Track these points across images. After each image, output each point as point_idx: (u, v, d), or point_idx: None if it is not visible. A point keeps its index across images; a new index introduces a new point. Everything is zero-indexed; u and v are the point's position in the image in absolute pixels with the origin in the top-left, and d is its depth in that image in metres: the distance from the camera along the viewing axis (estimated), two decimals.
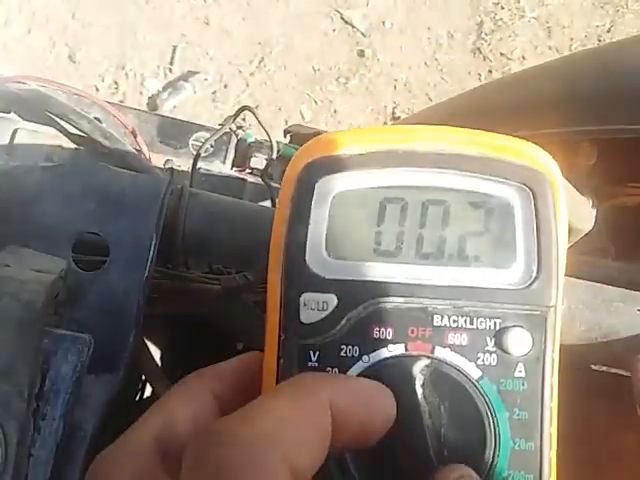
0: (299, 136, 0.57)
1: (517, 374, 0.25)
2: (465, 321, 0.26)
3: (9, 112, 0.49)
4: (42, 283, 0.30)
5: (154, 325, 0.45)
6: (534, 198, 0.26)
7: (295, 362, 0.26)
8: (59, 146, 0.45)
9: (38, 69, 1.82)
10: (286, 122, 1.76)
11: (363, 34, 1.92)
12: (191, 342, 0.49)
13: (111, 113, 0.48)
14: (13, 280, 0.29)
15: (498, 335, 0.26)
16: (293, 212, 0.26)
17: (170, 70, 1.89)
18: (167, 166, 0.46)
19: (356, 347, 0.26)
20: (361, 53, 1.90)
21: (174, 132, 0.53)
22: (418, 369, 0.25)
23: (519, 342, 0.25)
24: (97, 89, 1.84)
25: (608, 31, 1.92)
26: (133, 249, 0.33)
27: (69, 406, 0.29)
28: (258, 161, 0.52)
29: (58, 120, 0.44)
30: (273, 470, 0.21)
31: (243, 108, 0.43)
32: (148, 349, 0.42)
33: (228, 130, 0.53)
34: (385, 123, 1.83)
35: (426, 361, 0.26)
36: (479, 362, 0.25)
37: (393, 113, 1.86)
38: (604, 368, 0.35)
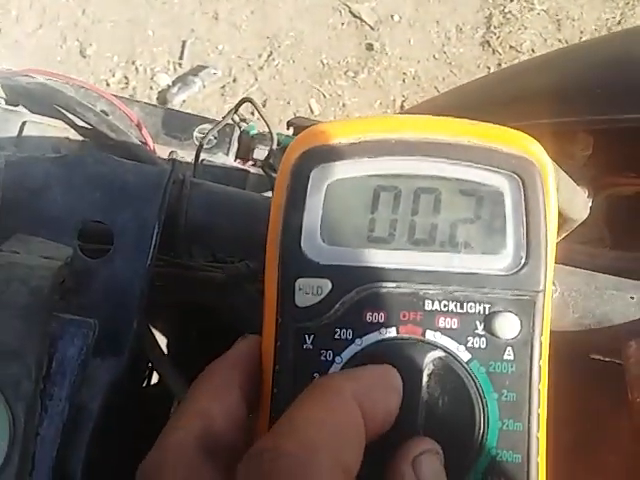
0: (301, 128, 0.58)
1: (506, 357, 0.26)
2: (455, 305, 0.26)
3: (17, 105, 0.50)
4: (49, 269, 0.31)
5: (160, 313, 0.46)
6: (524, 186, 0.27)
7: (291, 345, 0.27)
8: (66, 138, 0.46)
9: (49, 64, 1.84)
10: (295, 116, 1.77)
11: (372, 28, 1.92)
12: (196, 330, 0.50)
13: (117, 106, 0.49)
14: (21, 266, 0.30)
15: (487, 319, 0.26)
16: (289, 200, 0.27)
17: (180, 65, 1.90)
18: (171, 157, 0.47)
19: (350, 330, 0.27)
20: (370, 47, 1.90)
21: (179, 124, 0.54)
22: (410, 352, 0.26)
23: (508, 326, 0.26)
24: (108, 84, 1.86)
25: (618, 24, 1.91)
26: (136, 237, 0.34)
27: (75, 387, 0.31)
28: (261, 153, 0.53)
29: (65, 113, 0.46)
30: (328, 474, 0.21)
31: (244, 100, 0.43)
32: (154, 337, 0.43)
33: (231, 122, 0.54)
34: None
35: (418, 344, 0.26)
36: (469, 345, 0.26)
37: (402, 107, 1.86)
38: (598, 357, 0.36)
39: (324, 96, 1.87)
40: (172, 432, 0.25)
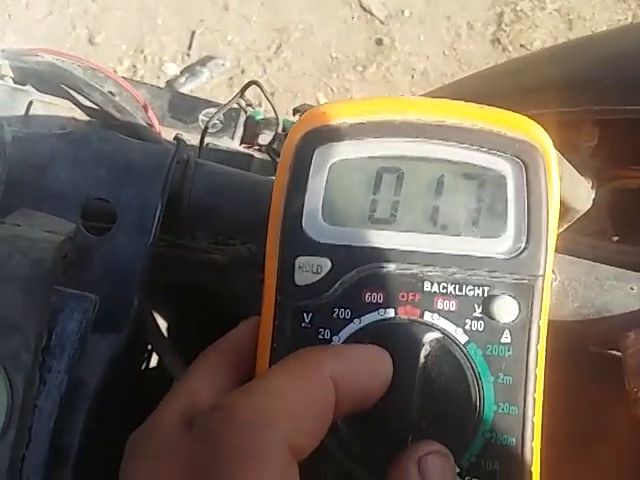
0: None
1: (503, 340, 0.26)
2: (454, 288, 0.26)
3: (25, 84, 0.50)
4: (52, 242, 0.31)
5: (161, 296, 0.47)
6: (526, 170, 0.27)
7: (289, 323, 0.27)
8: (73, 118, 0.47)
9: None
10: None
11: (382, 22, 1.91)
12: (196, 314, 0.50)
13: (124, 87, 0.49)
14: (24, 239, 0.31)
15: (486, 302, 0.26)
16: (291, 180, 0.27)
17: (188, 55, 1.90)
18: (176, 137, 0.47)
19: (348, 310, 0.27)
20: (379, 41, 1.90)
21: (185, 107, 0.54)
22: (408, 332, 0.26)
23: (506, 309, 0.26)
24: (115, 72, 1.86)
25: None
26: (139, 215, 0.35)
27: (74, 361, 0.31)
28: (266, 138, 0.53)
29: (72, 92, 0.46)
30: (271, 449, 0.21)
31: (250, 83, 0.43)
32: (154, 319, 0.43)
33: (237, 107, 0.54)
34: None
35: (416, 325, 0.26)
36: (466, 327, 0.26)
37: None
38: (597, 349, 0.36)
39: (332, 90, 1.86)
40: (161, 407, 0.25)
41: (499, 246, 0.27)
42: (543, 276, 0.26)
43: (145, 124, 0.44)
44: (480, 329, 0.26)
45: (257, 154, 0.52)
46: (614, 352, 0.35)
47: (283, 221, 0.27)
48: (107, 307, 0.33)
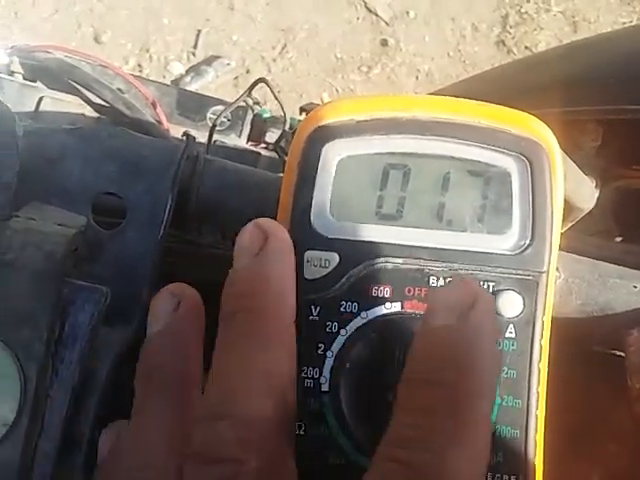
0: None
1: (508, 335, 0.27)
2: None
3: (35, 81, 0.51)
4: (63, 235, 0.31)
5: None
6: (531, 168, 0.27)
7: (297, 316, 0.27)
8: (82, 114, 0.47)
9: None
10: None
11: (387, 23, 1.92)
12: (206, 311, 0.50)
13: (133, 85, 0.49)
14: (36, 232, 0.31)
15: None
16: (300, 175, 0.28)
17: (194, 54, 1.91)
18: (186, 133, 0.48)
19: (355, 303, 0.27)
20: (384, 42, 1.90)
21: (193, 105, 0.55)
22: (414, 327, 0.27)
23: (511, 305, 0.27)
24: None
25: None
26: (149, 210, 0.35)
27: (85, 351, 0.31)
28: (273, 136, 0.54)
29: (82, 89, 0.46)
30: None
31: (258, 80, 0.44)
32: None
33: (244, 105, 0.54)
34: None
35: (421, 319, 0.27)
36: None
37: None
38: (600, 349, 0.37)
39: (337, 90, 1.87)
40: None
41: (504, 242, 0.27)
42: (547, 272, 0.27)
43: (154, 121, 0.45)
44: None
45: (264, 152, 0.53)
46: (617, 353, 0.35)
47: (292, 216, 0.28)
48: (117, 300, 0.34)
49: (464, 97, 0.29)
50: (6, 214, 0.33)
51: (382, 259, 0.27)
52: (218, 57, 1.87)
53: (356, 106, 0.28)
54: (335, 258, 0.27)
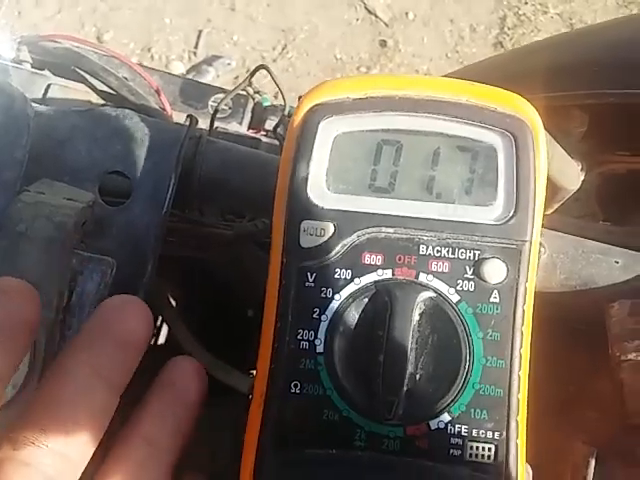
0: None
1: (492, 300, 0.28)
2: (447, 251, 0.29)
3: (43, 69, 0.53)
4: (73, 209, 0.33)
5: (171, 270, 0.49)
6: (515, 143, 0.29)
7: (294, 283, 0.29)
8: (88, 101, 0.49)
9: None
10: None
11: (386, 24, 1.94)
12: (203, 288, 0.52)
13: (138, 73, 0.51)
14: (47, 205, 0.33)
15: (477, 265, 0.28)
16: (298, 150, 0.30)
17: (195, 54, 1.93)
18: (189, 115, 0.50)
19: (349, 271, 0.29)
20: (383, 43, 1.92)
21: (195, 93, 0.57)
22: (404, 292, 0.28)
23: (495, 271, 0.28)
24: None
25: None
26: (154, 187, 0.37)
27: None
28: (273, 124, 0.55)
29: (88, 77, 0.48)
30: None
31: (259, 67, 0.46)
32: (165, 292, 0.45)
33: (245, 94, 0.56)
34: None
35: (412, 286, 0.28)
36: (458, 288, 0.28)
37: None
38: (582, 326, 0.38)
39: None
40: None
41: (490, 213, 0.29)
42: (530, 241, 0.29)
43: (158, 107, 0.46)
44: (471, 289, 0.28)
45: (264, 139, 0.55)
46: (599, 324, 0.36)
47: (290, 188, 0.29)
48: (123, 274, 0.35)
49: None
50: (17, 189, 0.35)
51: (375, 229, 0.29)
52: (219, 57, 1.89)
53: (352, 85, 0.30)
54: (330, 228, 0.29)
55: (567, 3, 1.96)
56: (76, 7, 1.96)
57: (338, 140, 0.30)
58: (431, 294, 0.28)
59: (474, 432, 0.28)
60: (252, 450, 0.28)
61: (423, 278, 0.28)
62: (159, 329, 0.52)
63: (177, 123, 0.46)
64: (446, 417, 0.28)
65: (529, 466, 0.30)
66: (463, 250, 0.29)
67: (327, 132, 0.30)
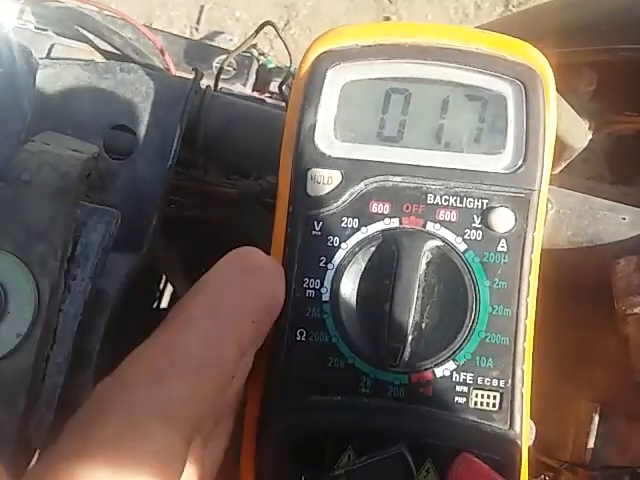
0: None
1: (499, 248, 0.28)
2: (455, 200, 0.28)
3: (47, 29, 0.52)
4: (78, 159, 0.33)
5: (176, 231, 0.49)
6: (525, 92, 0.28)
7: (300, 231, 0.29)
8: (92, 60, 0.48)
9: None
10: None
11: (390, 1, 1.91)
12: (208, 248, 0.52)
13: (142, 32, 0.51)
14: (53, 154, 0.32)
15: (484, 214, 0.28)
16: (305, 98, 0.29)
17: (196, 29, 1.91)
18: (194, 68, 0.49)
19: (356, 219, 0.29)
20: (387, 20, 1.90)
21: (199, 54, 0.56)
22: (411, 240, 0.28)
23: (503, 220, 0.28)
24: None
25: None
26: (159, 141, 0.36)
27: (96, 270, 0.33)
28: (277, 86, 0.55)
29: (92, 37, 0.47)
30: None
31: (265, 23, 0.45)
32: (170, 250, 0.45)
33: (250, 55, 0.56)
34: None
35: (419, 234, 0.28)
36: (466, 237, 0.28)
37: None
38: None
39: None
40: None
41: (498, 162, 0.29)
42: (539, 191, 0.28)
43: (162, 67, 0.46)
44: (478, 238, 0.28)
45: (269, 99, 0.54)
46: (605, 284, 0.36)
47: (297, 136, 0.29)
48: (127, 227, 0.35)
49: None
50: (22, 140, 0.35)
51: (382, 177, 0.29)
52: (221, 33, 1.86)
53: (360, 32, 0.29)
54: (338, 176, 0.29)
55: None
56: None
57: (346, 88, 0.29)
58: (438, 243, 0.28)
59: (479, 380, 0.28)
60: (257, 397, 0.28)
61: (430, 227, 0.28)
62: (163, 290, 0.52)
63: (182, 77, 0.46)
64: (451, 365, 0.28)
65: (532, 422, 0.30)
66: (471, 199, 0.28)
67: (335, 80, 0.29)
